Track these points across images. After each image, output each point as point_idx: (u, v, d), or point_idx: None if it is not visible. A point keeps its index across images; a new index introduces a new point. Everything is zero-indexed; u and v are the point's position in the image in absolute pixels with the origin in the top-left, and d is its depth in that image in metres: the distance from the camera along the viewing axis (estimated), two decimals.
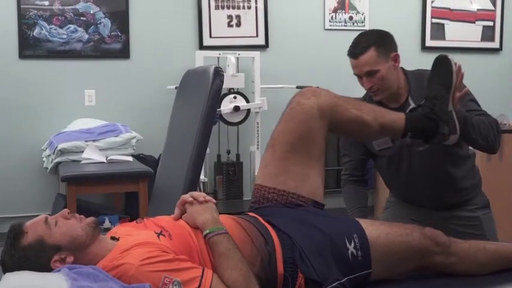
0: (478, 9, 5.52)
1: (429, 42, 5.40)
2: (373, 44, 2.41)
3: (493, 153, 2.44)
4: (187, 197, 1.87)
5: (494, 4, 5.55)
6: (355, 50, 2.44)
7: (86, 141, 4.08)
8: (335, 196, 4.21)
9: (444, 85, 2.14)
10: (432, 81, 2.20)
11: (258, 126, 4.72)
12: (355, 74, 2.50)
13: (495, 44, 5.62)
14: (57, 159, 4.00)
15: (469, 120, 2.25)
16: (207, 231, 1.74)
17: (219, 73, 2.65)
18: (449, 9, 5.43)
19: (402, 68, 2.54)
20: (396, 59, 2.47)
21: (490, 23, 5.56)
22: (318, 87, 2.33)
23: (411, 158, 2.48)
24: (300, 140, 2.03)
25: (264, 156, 2.13)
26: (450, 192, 2.56)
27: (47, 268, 1.65)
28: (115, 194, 4.60)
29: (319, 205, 2.08)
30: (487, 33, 5.57)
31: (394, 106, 2.49)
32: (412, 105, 2.44)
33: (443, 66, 2.18)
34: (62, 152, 4.01)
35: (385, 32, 2.51)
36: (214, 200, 1.87)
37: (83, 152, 4.00)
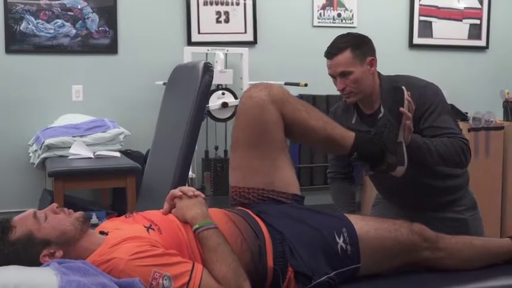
0: (465, 8, 5.54)
1: (417, 40, 5.41)
2: (350, 45, 2.41)
3: (461, 168, 2.45)
4: (176, 191, 1.87)
5: (481, 2, 5.57)
6: (331, 50, 2.45)
7: (73, 136, 4.06)
8: (323, 193, 4.23)
9: (395, 115, 2.13)
10: (387, 110, 2.20)
11: None
12: (329, 74, 2.49)
13: (482, 42, 5.64)
14: (44, 155, 3.98)
15: (424, 147, 2.23)
16: (197, 225, 1.74)
17: (208, 69, 2.65)
18: (436, 7, 5.44)
19: (379, 73, 2.52)
20: (372, 63, 2.46)
21: (477, 21, 5.59)
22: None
23: None
24: (258, 134, 2.01)
25: (231, 158, 2.13)
26: (434, 193, 2.54)
27: (35, 263, 1.65)
28: (102, 190, 4.58)
29: (299, 197, 2.08)
30: (474, 32, 5.59)
31: (368, 112, 2.50)
32: (383, 112, 2.39)
33: (396, 96, 2.17)
34: (49, 147, 3.98)
35: (363, 36, 2.51)
36: (203, 195, 1.88)
37: (70, 147, 3.97)
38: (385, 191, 2.74)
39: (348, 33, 2.51)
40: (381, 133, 2.12)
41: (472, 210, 2.63)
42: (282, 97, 2.02)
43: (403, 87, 2.17)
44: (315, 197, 4.54)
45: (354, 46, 2.42)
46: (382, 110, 2.42)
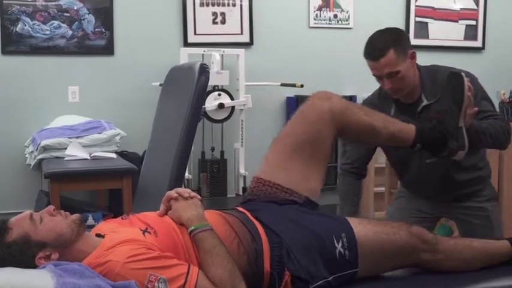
0: (461, 9, 5.55)
1: (413, 41, 5.32)
2: (392, 45, 2.39)
3: (503, 149, 2.49)
4: (172, 193, 1.87)
5: (477, 4, 5.59)
6: (374, 53, 2.41)
7: (69, 137, 4.06)
8: (322, 194, 4.22)
9: (455, 101, 2.16)
10: (445, 96, 2.22)
11: (242, 124, 4.72)
12: (374, 75, 2.48)
13: (478, 43, 5.66)
14: (40, 156, 3.98)
15: (480, 130, 2.28)
16: (192, 227, 1.74)
17: (204, 70, 2.64)
18: (432, 8, 5.46)
19: (416, 64, 2.54)
20: (413, 56, 2.47)
21: (473, 22, 5.60)
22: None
23: (422, 156, 2.45)
24: (309, 141, 2.04)
25: (269, 150, 2.13)
26: (458, 184, 2.58)
27: (31, 265, 1.65)
28: (98, 191, 4.58)
29: (312, 203, 2.08)
30: (470, 32, 5.61)
31: (409, 102, 2.52)
32: (425, 102, 2.46)
33: (455, 83, 2.19)
34: (45, 148, 3.98)
35: (398, 29, 2.52)
36: (199, 196, 1.88)
37: (66, 148, 3.97)
38: (409, 184, 2.76)
39: (384, 30, 2.49)
40: (442, 120, 2.16)
41: (493, 201, 2.68)
42: (342, 107, 2.06)
43: (463, 74, 2.20)
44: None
45: (395, 44, 2.40)
46: (423, 99, 2.47)
